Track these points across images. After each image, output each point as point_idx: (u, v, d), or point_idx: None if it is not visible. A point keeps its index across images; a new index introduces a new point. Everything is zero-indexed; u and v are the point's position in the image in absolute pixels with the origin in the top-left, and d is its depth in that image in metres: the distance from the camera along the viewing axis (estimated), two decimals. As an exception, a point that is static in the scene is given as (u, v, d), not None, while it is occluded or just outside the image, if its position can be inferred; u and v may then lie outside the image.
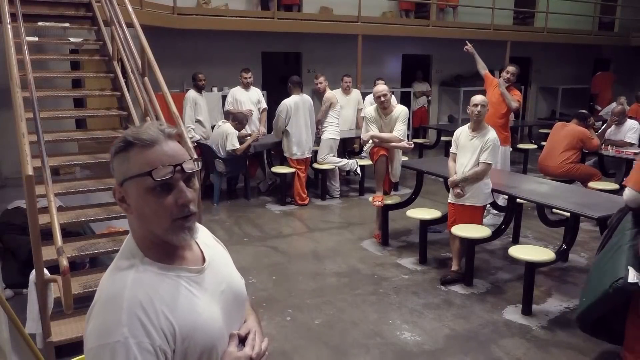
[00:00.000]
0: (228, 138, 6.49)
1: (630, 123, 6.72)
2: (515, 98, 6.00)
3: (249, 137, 6.84)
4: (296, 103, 6.57)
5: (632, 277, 2.90)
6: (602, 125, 7.49)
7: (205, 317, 1.16)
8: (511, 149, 6.72)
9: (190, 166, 1.15)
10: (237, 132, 6.62)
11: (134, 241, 1.20)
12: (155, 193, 1.12)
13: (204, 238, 1.34)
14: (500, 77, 6.34)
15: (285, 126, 6.57)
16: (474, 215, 4.51)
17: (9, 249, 4.21)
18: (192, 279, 1.19)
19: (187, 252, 1.23)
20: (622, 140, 6.63)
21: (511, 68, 6.05)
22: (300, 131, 6.62)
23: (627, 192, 3.10)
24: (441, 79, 11.63)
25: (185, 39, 8.45)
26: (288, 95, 6.71)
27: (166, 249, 1.18)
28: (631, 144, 6.55)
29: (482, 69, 6.58)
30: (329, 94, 7.18)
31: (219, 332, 1.19)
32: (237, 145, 6.51)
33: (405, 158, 6.22)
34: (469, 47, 6.59)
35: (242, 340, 1.25)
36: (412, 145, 5.46)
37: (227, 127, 6.60)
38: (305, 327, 3.78)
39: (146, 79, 4.47)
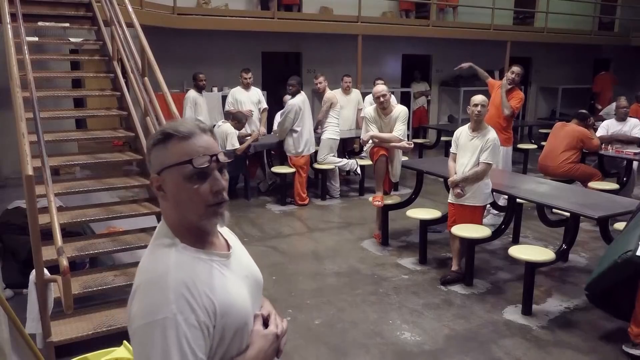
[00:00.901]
0: (228, 138, 6.50)
1: (632, 121, 6.71)
2: (512, 103, 5.90)
3: (249, 137, 6.85)
4: (303, 102, 6.65)
5: None
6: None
7: (237, 297, 1.25)
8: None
9: (224, 157, 1.25)
10: (237, 131, 6.62)
11: (167, 227, 1.27)
12: (193, 180, 1.20)
13: (222, 229, 1.41)
14: (503, 77, 6.31)
15: (293, 125, 6.60)
16: (474, 215, 4.51)
17: (9, 249, 4.21)
18: (222, 263, 1.27)
19: (215, 239, 1.31)
20: (629, 136, 6.57)
21: (516, 68, 5.99)
22: (307, 129, 6.71)
23: None
24: (441, 79, 11.63)
25: (185, 39, 8.45)
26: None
27: (198, 235, 1.26)
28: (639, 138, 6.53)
29: (485, 78, 6.64)
30: (329, 94, 7.19)
31: (249, 312, 1.28)
32: (237, 145, 6.51)
33: (405, 158, 6.22)
34: (463, 65, 6.73)
35: (264, 321, 1.33)
36: (412, 145, 5.46)
37: (227, 127, 6.60)
38: (305, 327, 3.78)
39: (146, 79, 4.47)
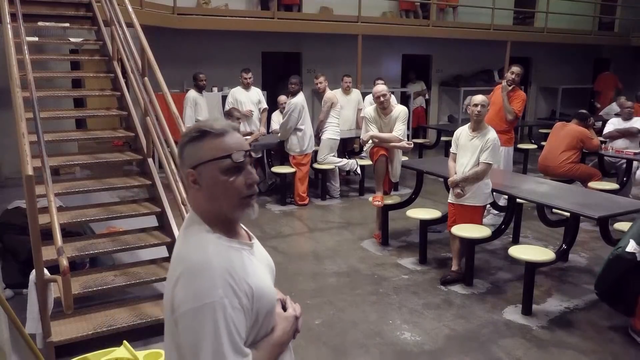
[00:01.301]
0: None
1: (636, 118, 6.73)
2: (515, 106, 5.85)
3: (248, 137, 6.85)
4: (304, 101, 6.69)
5: (630, 247, 3.31)
6: (602, 125, 7.48)
7: (267, 282, 1.36)
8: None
9: (254, 153, 1.28)
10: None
11: (199, 218, 1.34)
12: (229, 174, 1.29)
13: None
14: (502, 77, 6.28)
15: (297, 124, 6.62)
16: (474, 215, 4.51)
17: (9, 249, 4.21)
18: (250, 252, 1.36)
19: (239, 229, 1.40)
20: (632, 127, 6.57)
21: (516, 68, 5.94)
22: (310, 126, 6.75)
23: (638, 173, 3.56)
24: (441, 79, 11.62)
25: (185, 39, 8.44)
26: (287, 95, 6.79)
27: (227, 225, 1.34)
28: None
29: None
30: (329, 94, 7.19)
31: (275, 296, 1.39)
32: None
33: (405, 158, 6.22)
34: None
35: (282, 305, 1.45)
36: (412, 145, 5.46)
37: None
38: (305, 327, 3.77)
39: (146, 79, 4.47)
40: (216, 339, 1.18)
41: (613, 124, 6.82)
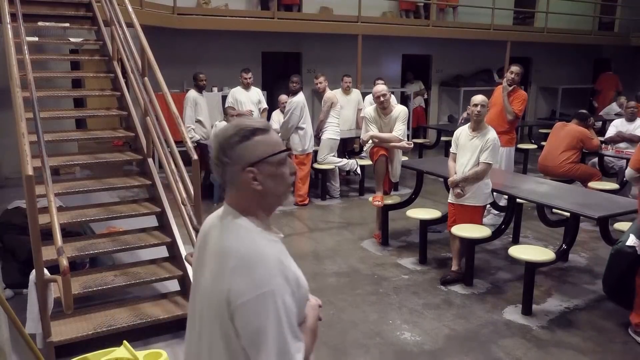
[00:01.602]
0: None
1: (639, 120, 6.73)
2: (515, 106, 5.82)
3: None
4: (304, 100, 6.70)
5: (630, 241, 3.39)
6: (602, 125, 7.46)
7: (301, 272, 1.42)
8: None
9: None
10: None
11: (238, 212, 1.40)
12: (282, 165, 1.40)
13: None
14: (502, 77, 6.26)
15: (299, 123, 6.62)
16: (474, 215, 4.51)
17: (9, 249, 4.21)
18: (282, 244, 1.44)
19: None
20: (634, 135, 6.57)
21: (515, 68, 5.91)
22: (310, 126, 6.76)
23: (627, 171, 3.74)
24: (441, 79, 11.62)
25: (185, 39, 8.44)
26: (287, 94, 6.80)
27: (264, 219, 1.43)
28: None
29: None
30: (329, 93, 7.18)
31: (307, 286, 1.46)
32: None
33: (405, 158, 6.22)
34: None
35: None
36: (412, 145, 5.46)
37: (224, 124, 6.61)
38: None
39: (146, 79, 4.47)
40: (279, 325, 1.25)
41: (616, 126, 6.79)
